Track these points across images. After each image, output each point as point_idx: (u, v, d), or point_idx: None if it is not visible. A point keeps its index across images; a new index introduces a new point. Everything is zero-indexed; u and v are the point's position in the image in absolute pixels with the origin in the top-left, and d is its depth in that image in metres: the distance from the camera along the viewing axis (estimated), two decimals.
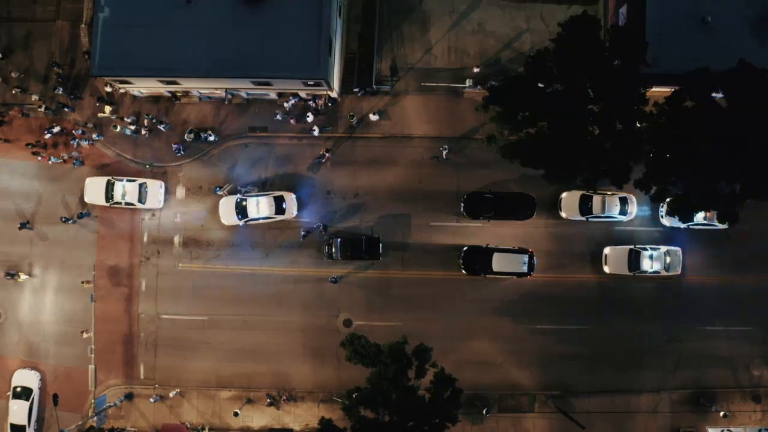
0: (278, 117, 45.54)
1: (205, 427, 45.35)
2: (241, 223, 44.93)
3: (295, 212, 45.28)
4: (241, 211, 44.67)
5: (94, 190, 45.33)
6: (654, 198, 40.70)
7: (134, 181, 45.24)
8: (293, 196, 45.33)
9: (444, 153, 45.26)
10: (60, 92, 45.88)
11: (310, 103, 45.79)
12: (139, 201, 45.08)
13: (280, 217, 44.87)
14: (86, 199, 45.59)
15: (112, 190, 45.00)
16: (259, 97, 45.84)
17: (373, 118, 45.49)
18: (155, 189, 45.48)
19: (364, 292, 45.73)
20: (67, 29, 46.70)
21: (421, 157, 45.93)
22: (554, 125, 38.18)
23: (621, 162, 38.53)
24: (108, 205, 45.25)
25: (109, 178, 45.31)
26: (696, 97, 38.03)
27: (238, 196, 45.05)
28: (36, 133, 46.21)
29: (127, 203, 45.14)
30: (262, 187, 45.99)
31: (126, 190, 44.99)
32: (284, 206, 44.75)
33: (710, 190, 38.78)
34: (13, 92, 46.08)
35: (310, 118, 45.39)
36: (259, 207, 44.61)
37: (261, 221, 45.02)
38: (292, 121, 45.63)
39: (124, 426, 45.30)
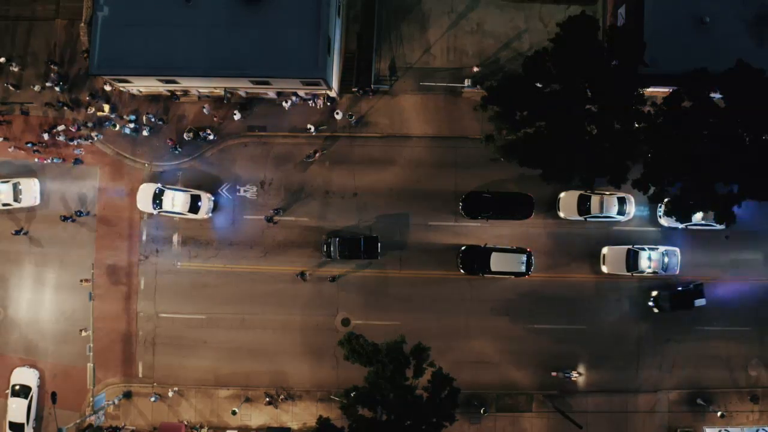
0: (205, 110, 45.69)
1: (203, 425, 45.42)
2: (155, 212, 45.07)
3: (208, 213, 45.40)
4: (158, 200, 44.75)
5: None
6: (652, 198, 40.78)
7: (8, 181, 45.24)
8: (211, 197, 45.53)
9: None
10: (59, 91, 46.01)
11: (310, 102, 45.88)
12: (15, 200, 45.11)
13: (191, 216, 44.94)
14: None
15: None
16: (257, 96, 45.93)
17: (338, 117, 45.60)
18: (29, 187, 45.50)
19: (362, 291, 45.79)
20: (66, 28, 46.77)
21: (423, 157, 46.08)
22: (552, 125, 38.24)
23: (619, 162, 38.59)
24: None
25: None
26: (694, 97, 38.07)
27: (158, 185, 45.15)
28: (36, 132, 46.30)
29: (3, 204, 45.17)
30: (260, 185, 46.09)
31: (0, 191, 44.94)
32: (199, 205, 44.81)
33: (708, 190, 38.83)
34: (8, 87, 46.19)
35: (237, 116, 45.49)
36: (175, 201, 44.70)
37: (173, 215, 45.18)
38: (215, 119, 45.80)
39: (122, 424, 45.39)
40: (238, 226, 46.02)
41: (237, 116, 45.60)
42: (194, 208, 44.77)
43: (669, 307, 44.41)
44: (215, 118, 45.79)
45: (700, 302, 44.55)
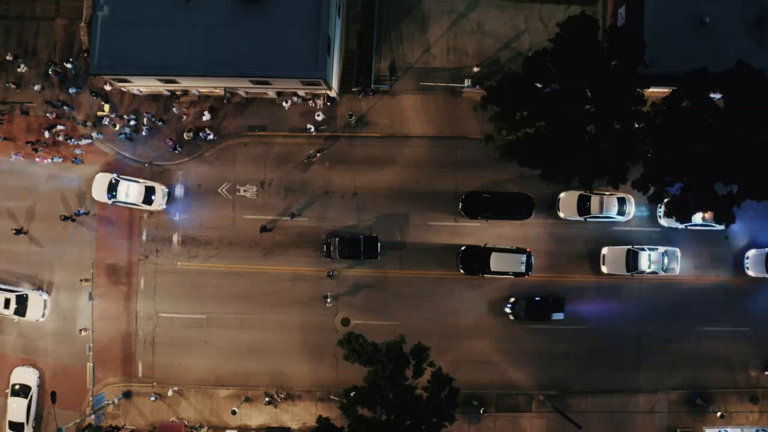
0: (174, 110, 45.90)
1: (203, 425, 45.44)
2: (109, 201, 45.08)
3: (162, 206, 45.55)
4: (113, 191, 44.78)
5: None
6: (652, 198, 40.74)
7: None
8: (165, 189, 45.64)
9: None
10: (59, 90, 46.02)
11: (310, 102, 45.90)
12: None
13: (146, 207, 45.11)
14: None
15: None
16: (258, 96, 45.94)
17: (318, 118, 45.67)
18: None
19: (362, 291, 45.79)
20: (66, 28, 46.78)
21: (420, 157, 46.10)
22: (552, 125, 38.24)
23: (618, 162, 38.59)
24: None
25: None
26: (694, 97, 38.08)
27: (114, 175, 45.16)
28: (36, 131, 46.30)
29: None
30: (260, 185, 46.09)
31: None
32: (153, 198, 44.92)
33: (708, 190, 38.83)
34: (8, 85, 46.20)
35: (207, 116, 45.56)
36: (129, 192, 44.77)
37: (127, 205, 45.23)
38: (184, 117, 45.93)
39: (122, 424, 45.40)
40: (238, 226, 46.00)
41: (206, 116, 45.64)
42: (148, 199, 44.85)
43: (524, 315, 44.40)
44: (185, 116, 45.84)
45: (557, 316, 44.61)
